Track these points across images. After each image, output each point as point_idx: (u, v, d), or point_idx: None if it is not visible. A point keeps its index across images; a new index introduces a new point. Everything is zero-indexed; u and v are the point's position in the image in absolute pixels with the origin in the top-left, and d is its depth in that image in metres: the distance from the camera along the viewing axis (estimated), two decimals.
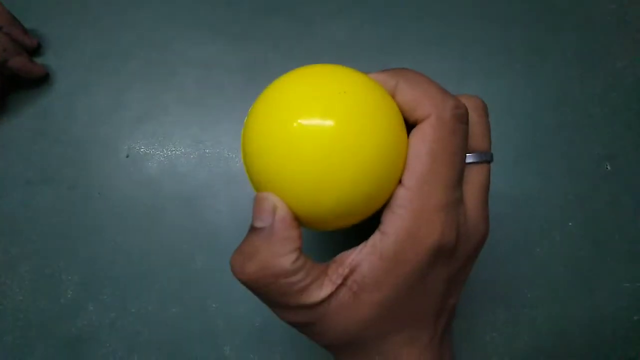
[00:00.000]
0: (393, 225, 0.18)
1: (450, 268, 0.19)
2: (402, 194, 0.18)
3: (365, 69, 0.21)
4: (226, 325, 0.30)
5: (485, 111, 0.21)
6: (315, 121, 0.17)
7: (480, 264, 0.30)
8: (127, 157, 0.32)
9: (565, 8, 0.35)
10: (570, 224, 0.32)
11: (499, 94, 0.34)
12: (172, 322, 0.30)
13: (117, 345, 0.29)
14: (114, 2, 0.35)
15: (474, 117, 0.20)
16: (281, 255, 0.18)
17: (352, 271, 0.18)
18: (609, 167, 0.33)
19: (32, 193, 0.32)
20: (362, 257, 0.18)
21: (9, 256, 0.30)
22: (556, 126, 0.33)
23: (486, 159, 0.20)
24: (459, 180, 0.18)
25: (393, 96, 0.19)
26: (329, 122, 0.17)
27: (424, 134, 0.18)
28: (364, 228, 0.20)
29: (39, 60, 0.34)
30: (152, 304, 0.30)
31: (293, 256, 0.18)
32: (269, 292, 0.18)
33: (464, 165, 0.19)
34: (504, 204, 0.32)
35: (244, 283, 0.19)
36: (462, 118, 0.18)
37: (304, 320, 0.19)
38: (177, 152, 0.33)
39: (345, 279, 0.18)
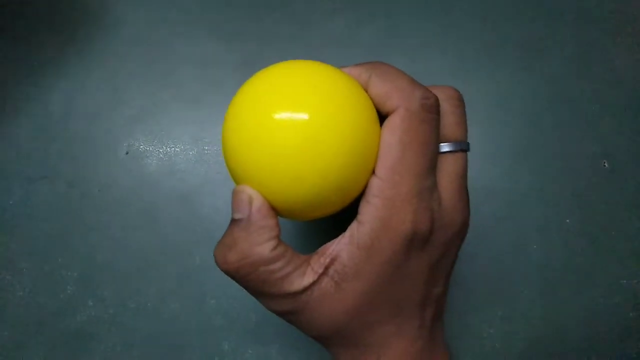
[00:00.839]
0: (368, 215, 0.19)
1: (429, 255, 0.20)
2: (375, 183, 0.19)
3: None
4: (225, 321, 0.30)
5: (459, 101, 0.21)
6: (287, 115, 0.17)
7: (476, 260, 0.31)
8: (127, 154, 0.33)
9: (564, 6, 0.35)
10: (567, 221, 0.32)
11: (496, 91, 0.34)
12: (170, 317, 0.30)
13: (116, 341, 0.29)
14: (111, 1, 0.35)
15: (446, 107, 0.20)
16: (259, 243, 0.19)
17: (333, 260, 0.19)
18: (606, 165, 0.33)
19: (32, 190, 0.32)
20: (341, 247, 0.19)
21: (8, 252, 0.31)
22: (554, 124, 0.33)
23: (461, 147, 0.20)
24: (430, 169, 0.19)
25: (366, 89, 0.20)
26: (300, 116, 0.17)
27: (393, 125, 0.18)
28: (347, 219, 0.20)
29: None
30: (151, 300, 0.30)
31: (271, 244, 0.19)
32: (251, 281, 0.19)
33: (435, 154, 0.19)
34: (501, 201, 0.32)
35: (227, 273, 0.19)
36: (430, 108, 0.19)
37: (287, 308, 0.19)
38: (176, 150, 0.33)
39: (327, 268, 0.19)
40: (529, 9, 0.35)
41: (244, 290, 0.28)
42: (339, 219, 0.21)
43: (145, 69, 0.34)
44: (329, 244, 0.20)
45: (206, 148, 0.33)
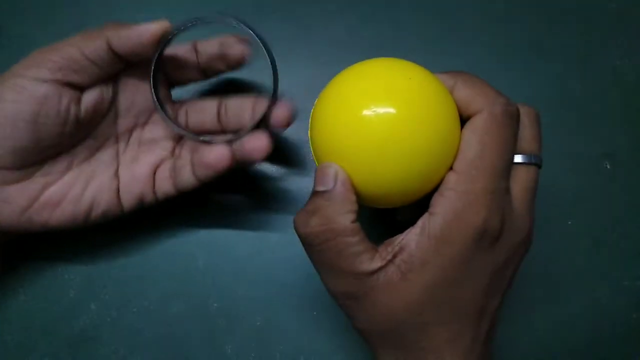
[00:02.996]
0: (441, 206, 0.19)
1: (494, 258, 0.20)
2: (451, 178, 0.20)
3: None
4: (227, 324, 0.30)
5: (536, 118, 0.22)
6: (377, 109, 0.19)
7: None
8: None
9: (565, 6, 0.35)
10: (569, 222, 0.32)
11: None
12: (173, 321, 0.30)
13: (119, 344, 0.29)
14: (110, 4, 0.35)
15: (525, 121, 0.22)
16: (341, 213, 0.20)
17: (401, 249, 0.20)
18: (608, 166, 0.33)
19: None
20: (410, 237, 0.20)
21: (11, 256, 0.31)
22: (555, 124, 0.33)
23: (535, 161, 0.21)
24: (506, 170, 0.20)
25: (451, 93, 0.21)
26: (393, 102, 0.19)
27: (475, 126, 0.20)
28: (405, 227, 0.21)
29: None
30: (153, 303, 0.30)
31: (352, 216, 0.20)
32: (327, 249, 0.20)
33: (511, 159, 0.20)
34: None
35: (306, 237, 0.20)
36: (512, 115, 0.20)
37: (352, 290, 0.20)
38: None
39: (395, 256, 0.20)
40: (531, 10, 0.35)
41: (249, 292, 0.28)
42: (396, 227, 0.21)
43: None
44: (398, 235, 0.20)
45: None
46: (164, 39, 0.25)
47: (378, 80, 0.20)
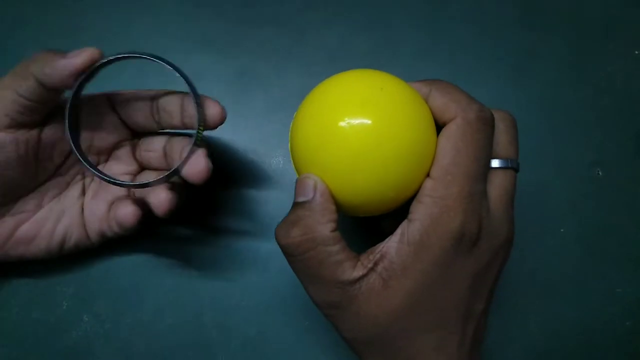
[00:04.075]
0: (419, 213, 0.20)
1: (474, 261, 0.20)
2: (428, 184, 0.20)
3: None
4: (221, 335, 0.30)
5: (512, 123, 0.22)
6: (355, 112, 0.19)
7: None
8: None
9: (556, 13, 0.35)
10: (562, 230, 0.32)
11: (489, 99, 0.33)
12: (166, 332, 0.30)
13: (112, 357, 0.29)
14: (104, 14, 0.35)
15: (501, 126, 0.22)
16: (321, 223, 0.20)
17: (382, 257, 0.20)
18: (600, 173, 0.33)
19: None
20: (390, 245, 0.20)
21: (4, 268, 0.31)
22: (547, 132, 0.33)
23: (512, 165, 0.22)
24: (481, 175, 0.20)
25: (426, 101, 0.21)
26: (367, 113, 0.19)
27: (449, 132, 0.20)
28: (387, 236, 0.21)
29: None
30: (146, 314, 0.30)
31: (331, 225, 0.20)
32: (308, 259, 0.20)
33: (487, 163, 0.20)
34: None
35: (288, 248, 0.21)
36: (485, 120, 0.20)
37: (335, 299, 0.20)
38: None
39: (376, 264, 0.20)
40: (522, 16, 0.35)
41: (242, 303, 0.28)
42: (383, 236, 0.21)
43: (138, 82, 0.34)
44: (379, 243, 0.20)
45: None
46: (87, 71, 0.23)
47: (352, 92, 0.20)
